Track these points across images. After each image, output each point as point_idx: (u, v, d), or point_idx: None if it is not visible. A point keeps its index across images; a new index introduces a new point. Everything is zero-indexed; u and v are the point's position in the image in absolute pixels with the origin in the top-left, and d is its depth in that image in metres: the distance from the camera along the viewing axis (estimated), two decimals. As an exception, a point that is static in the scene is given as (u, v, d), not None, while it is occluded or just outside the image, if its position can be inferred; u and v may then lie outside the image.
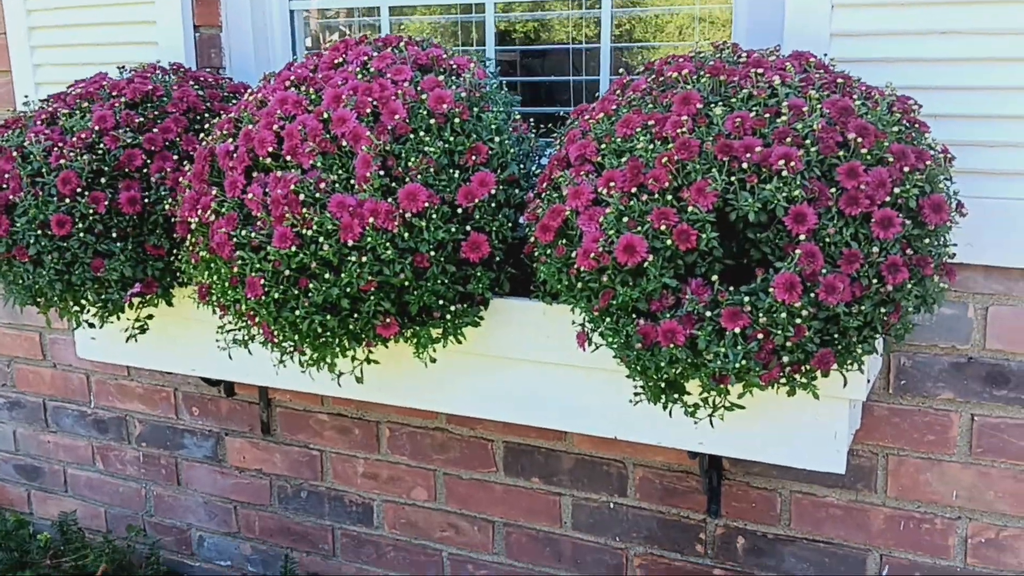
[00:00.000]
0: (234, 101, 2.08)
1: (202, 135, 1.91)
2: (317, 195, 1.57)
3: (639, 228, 1.37)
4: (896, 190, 1.34)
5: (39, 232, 1.87)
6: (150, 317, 2.09)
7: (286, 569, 2.61)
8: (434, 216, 1.57)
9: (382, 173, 1.57)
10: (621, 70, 1.71)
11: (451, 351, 1.78)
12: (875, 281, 1.33)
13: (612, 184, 1.41)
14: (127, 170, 1.89)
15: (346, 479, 2.53)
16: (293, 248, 1.56)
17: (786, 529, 2.03)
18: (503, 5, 2.31)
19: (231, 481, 2.70)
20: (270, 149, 1.64)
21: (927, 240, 1.37)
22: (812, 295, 1.31)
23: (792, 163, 1.32)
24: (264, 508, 2.68)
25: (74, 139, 1.89)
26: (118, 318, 2.03)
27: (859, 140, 1.35)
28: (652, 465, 2.13)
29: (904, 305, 1.37)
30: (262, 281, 1.59)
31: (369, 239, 1.54)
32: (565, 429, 1.80)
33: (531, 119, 1.90)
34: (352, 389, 1.93)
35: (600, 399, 1.75)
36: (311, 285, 1.58)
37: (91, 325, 2.05)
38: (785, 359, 1.35)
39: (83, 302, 2.00)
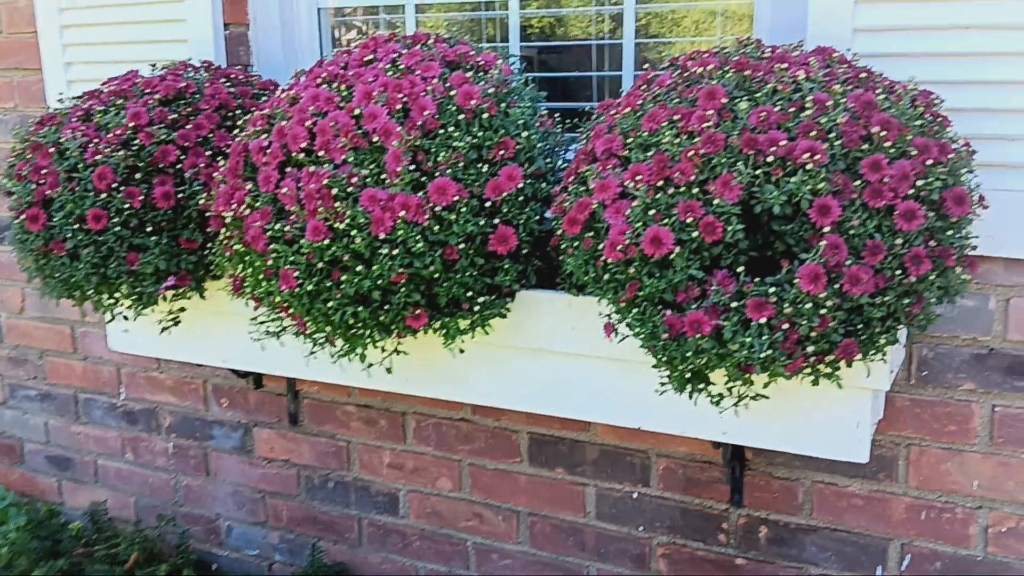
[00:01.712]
0: (264, 98, 2.12)
1: (236, 131, 1.95)
2: (349, 189, 1.60)
3: (666, 221, 1.40)
4: (919, 183, 1.36)
5: (76, 226, 1.91)
6: (182, 310, 2.13)
7: (313, 558, 2.65)
8: (463, 209, 1.60)
9: (412, 168, 1.61)
10: (646, 66, 1.74)
11: (478, 342, 1.81)
12: (898, 272, 1.35)
13: (639, 177, 1.44)
14: (161, 166, 1.93)
15: (372, 469, 2.57)
16: (326, 241, 1.59)
17: (808, 519, 2.06)
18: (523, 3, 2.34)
19: (259, 471, 2.75)
20: (303, 145, 1.67)
21: (949, 232, 1.40)
22: (837, 286, 1.33)
23: (817, 156, 1.35)
24: (292, 498, 2.72)
25: (109, 135, 1.93)
26: (152, 311, 2.07)
27: (883, 134, 1.38)
28: (675, 456, 2.16)
29: (927, 296, 1.40)
30: (296, 273, 1.63)
31: (400, 232, 1.57)
32: (590, 419, 1.83)
33: (555, 115, 1.93)
34: (380, 380, 1.97)
35: (624, 390, 1.78)
36: (343, 277, 1.61)
37: (125, 318, 2.10)
38: (810, 349, 1.37)
39: (118, 295, 2.04)
